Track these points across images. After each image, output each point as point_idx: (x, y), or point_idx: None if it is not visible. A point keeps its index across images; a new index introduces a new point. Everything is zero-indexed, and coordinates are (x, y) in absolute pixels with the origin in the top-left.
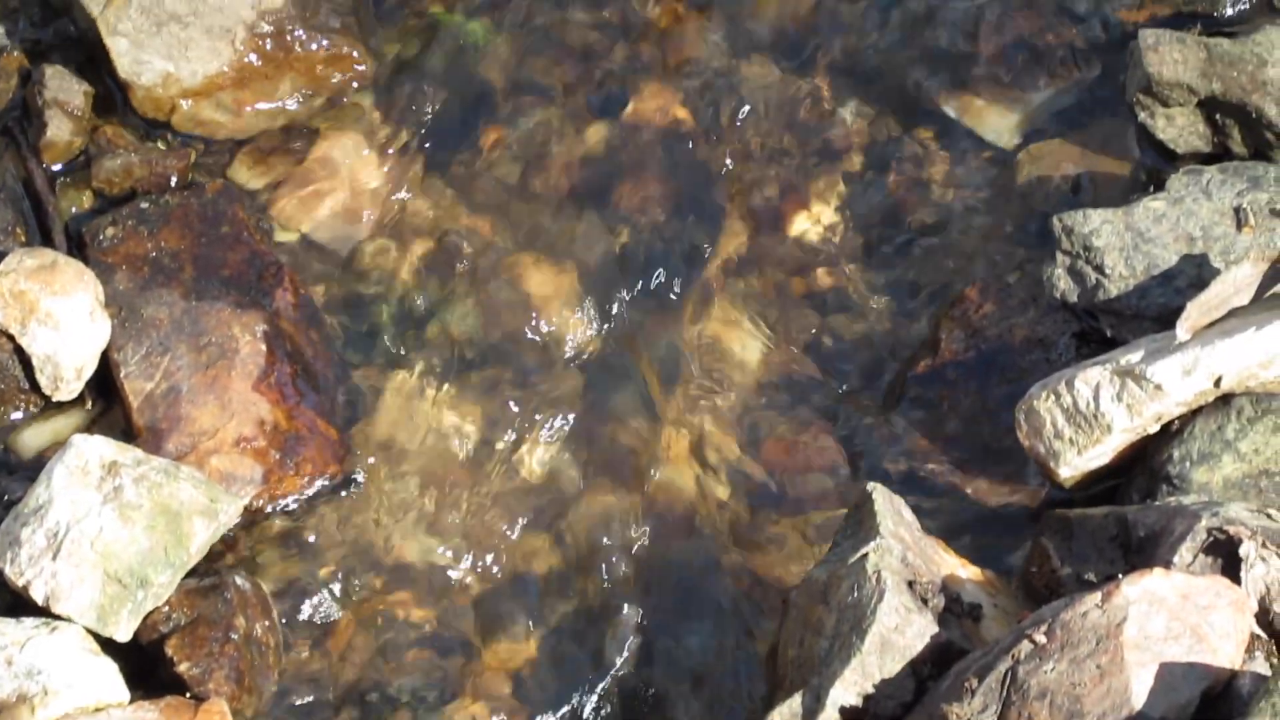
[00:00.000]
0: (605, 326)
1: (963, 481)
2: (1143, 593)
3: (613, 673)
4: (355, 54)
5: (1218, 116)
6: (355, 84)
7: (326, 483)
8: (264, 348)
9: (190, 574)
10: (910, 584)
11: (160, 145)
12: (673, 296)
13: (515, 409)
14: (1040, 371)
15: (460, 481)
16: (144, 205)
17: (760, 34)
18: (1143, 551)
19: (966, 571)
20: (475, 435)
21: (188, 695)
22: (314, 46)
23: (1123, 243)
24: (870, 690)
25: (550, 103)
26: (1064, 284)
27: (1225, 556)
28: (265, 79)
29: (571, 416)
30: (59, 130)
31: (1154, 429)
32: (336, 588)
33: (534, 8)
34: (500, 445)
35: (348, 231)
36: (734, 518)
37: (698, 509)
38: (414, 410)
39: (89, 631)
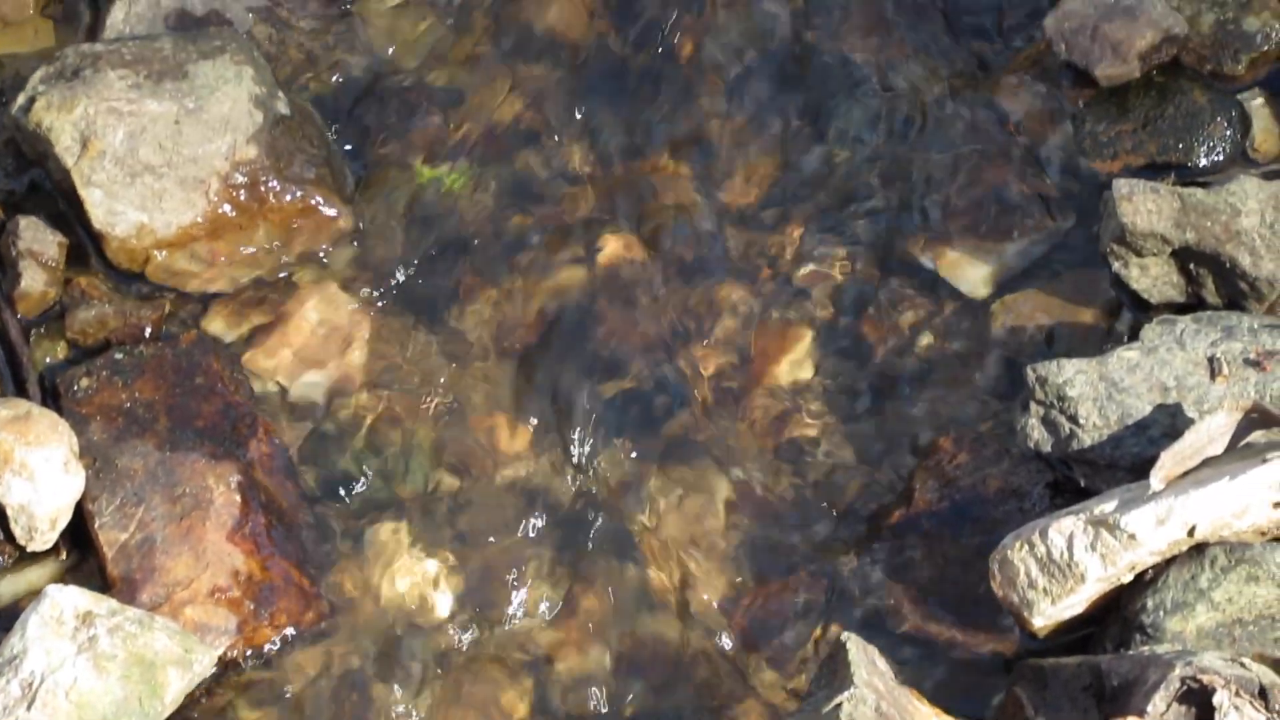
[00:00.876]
0: (580, 476)
1: (937, 631)
2: None
3: None
4: (329, 204)
5: (1192, 266)
6: (329, 234)
7: (301, 632)
8: (238, 498)
9: None
10: None
11: (134, 296)
12: (648, 445)
13: (490, 560)
14: (1014, 521)
15: (436, 631)
16: (118, 356)
17: (734, 184)
18: (1116, 700)
19: None
20: (450, 585)
21: None
22: (288, 197)
23: (1096, 393)
24: None
25: (524, 252)
26: (1038, 434)
27: (1199, 706)
28: (239, 230)
29: (547, 567)
30: (33, 281)
31: (1128, 578)
32: None
33: (508, 156)
34: (476, 595)
35: (322, 382)
36: (710, 668)
37: (676, 660)
38: (389, 560)
39: None
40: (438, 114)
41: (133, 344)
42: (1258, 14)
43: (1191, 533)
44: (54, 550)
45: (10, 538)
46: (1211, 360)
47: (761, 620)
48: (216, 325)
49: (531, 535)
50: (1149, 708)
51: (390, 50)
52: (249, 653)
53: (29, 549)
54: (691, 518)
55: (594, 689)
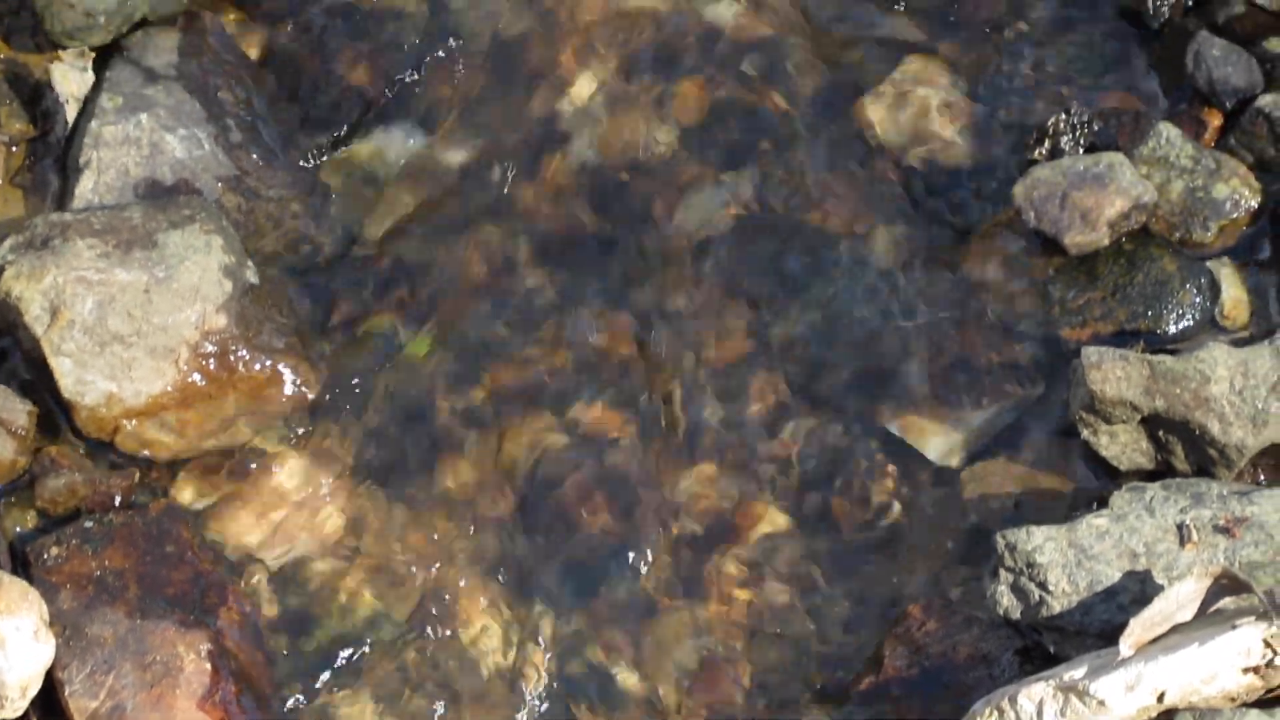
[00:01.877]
0: (550, 645)
1: None
2: None
3: None
4: (298, 373)
5: (1161, 433)
6: (299, 402)
7: None
8: (209, 666)
9: None
10: None
11: (104, 465)
12: (616, 612)
13: None
14: (984, 688)
15: None
16: (88, 525)
17: (705, 353)
18: None
19: None
20: None
21: None
22: (257, 366)
23: (1066, 560)
24: None
25: (493, 420)
26: (1007, 601)
27: None
28: (209, 399)
29: None
30: (2, 449)
31: None
32: None
33: (476, 323)
34: None
35: (292, 551)
36: None
37: None
38: None
39: None
40: (405, 282)
41: (102, 512)
42: (1227, 181)
43: (1161, 699)
44: (24, 718)
45: None
46: (1181, 527)
47: None
48: (186, 493)
49: (502, 705)
50: None
51: (359, 218)
52: None
53: None
54: (660, 685)
55: None
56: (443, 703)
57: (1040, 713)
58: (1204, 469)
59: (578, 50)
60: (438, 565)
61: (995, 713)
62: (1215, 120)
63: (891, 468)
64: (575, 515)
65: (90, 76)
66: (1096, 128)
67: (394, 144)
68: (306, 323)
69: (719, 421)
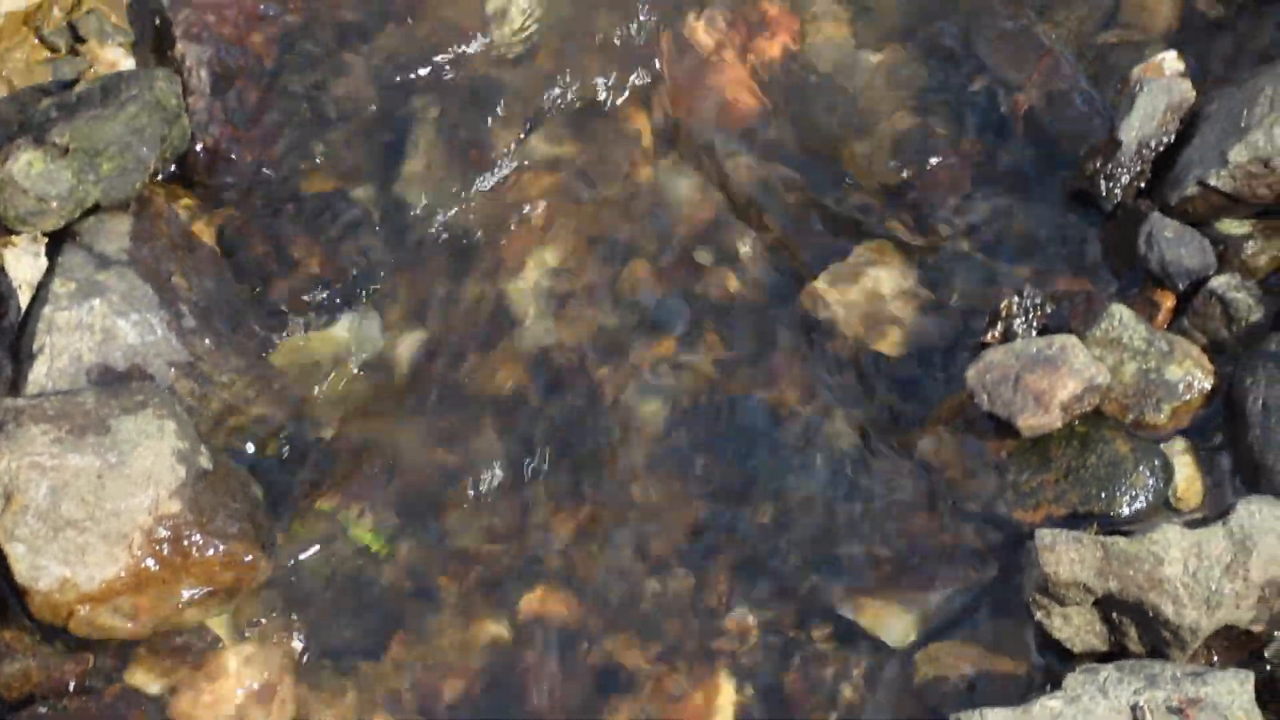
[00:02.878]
0: None
1: None
2: None
3: None
4: (252, 558)
5: (1114, 615)
6: (252, 588)
7: None
8: None
9: None
10: None
11: (58, 649)
12: None
13: None
14: None
15: None
16: (43, 710)
17: (658, 536)
18: None
19: None
20: None
21: None
22: (211, 551)
23: None
24: None
25: (447, 607)
26: None
27: None
28: (162, 583)
29: None
30: None
31: None
32: None
33: (429, 509)
34: None
35: None
36: None
37: None
38: None
39: None
40: (358, 467)
41: (56, 698)
42: (1180, 363)
43: None
44: None
45: None
46: (1134, 709)
47: None
48: (140, 678)
49: None
50: None
51: (312, 403)
52: None
53: None
54: None
55: None
56: None
57: None
58: (1158, 650)
59: (529, 233)
60: None
61: None
62: (1168, 302)
63: (844, 651)
64: (528, 701)
65: (43, 262)
66: (1049, 310)
67: (346, 329)
68: (260, 507)
69: (672, 603)
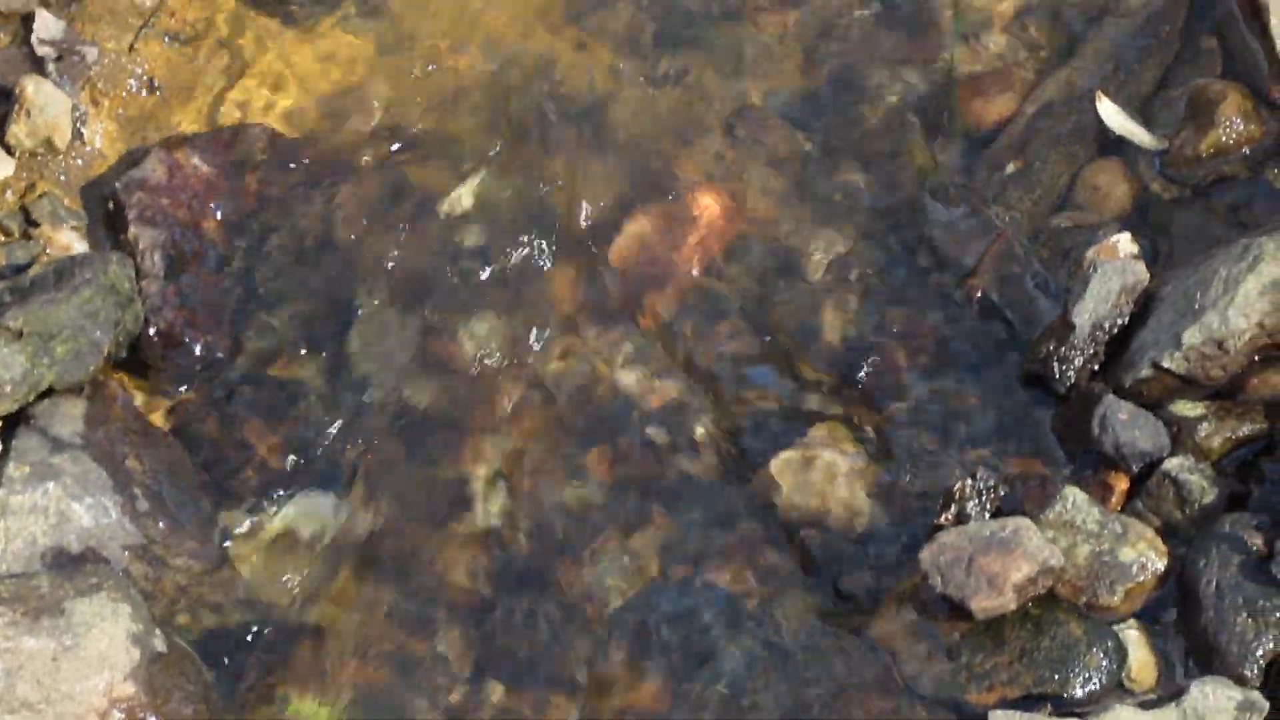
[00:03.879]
0: None
1: None
2: None
3: None
4: None
5: None
6: None
7: None
8: None
9: None
10: None
11: None
12: None
13: None
14: None
15: None
16: None
17: (605, 708)
18: None
19: None
20: None
21: None
22: None
23: None
24: None
25: None
26: None
27: None
28: None
29: None
30: None
31: None
32: None
33: (384, 692)
34: None
35: None
36: None
37: None
38: None
39: None
40: (313, 649)
41: None
42: (1134, 545)
43: None
44: None
45: None
46: None
47: None
48: None
49: None
50: None
51: (266, 586)
52: None
53: None
54: None
55: None
56: None
57: None
58: None
59: (483, 418)
60: None
61: None
62: (1122, 484)
63: None
64: None
65: None
66: (1003, 492)
67: (301, 513)
68: (215, 690)
69: None
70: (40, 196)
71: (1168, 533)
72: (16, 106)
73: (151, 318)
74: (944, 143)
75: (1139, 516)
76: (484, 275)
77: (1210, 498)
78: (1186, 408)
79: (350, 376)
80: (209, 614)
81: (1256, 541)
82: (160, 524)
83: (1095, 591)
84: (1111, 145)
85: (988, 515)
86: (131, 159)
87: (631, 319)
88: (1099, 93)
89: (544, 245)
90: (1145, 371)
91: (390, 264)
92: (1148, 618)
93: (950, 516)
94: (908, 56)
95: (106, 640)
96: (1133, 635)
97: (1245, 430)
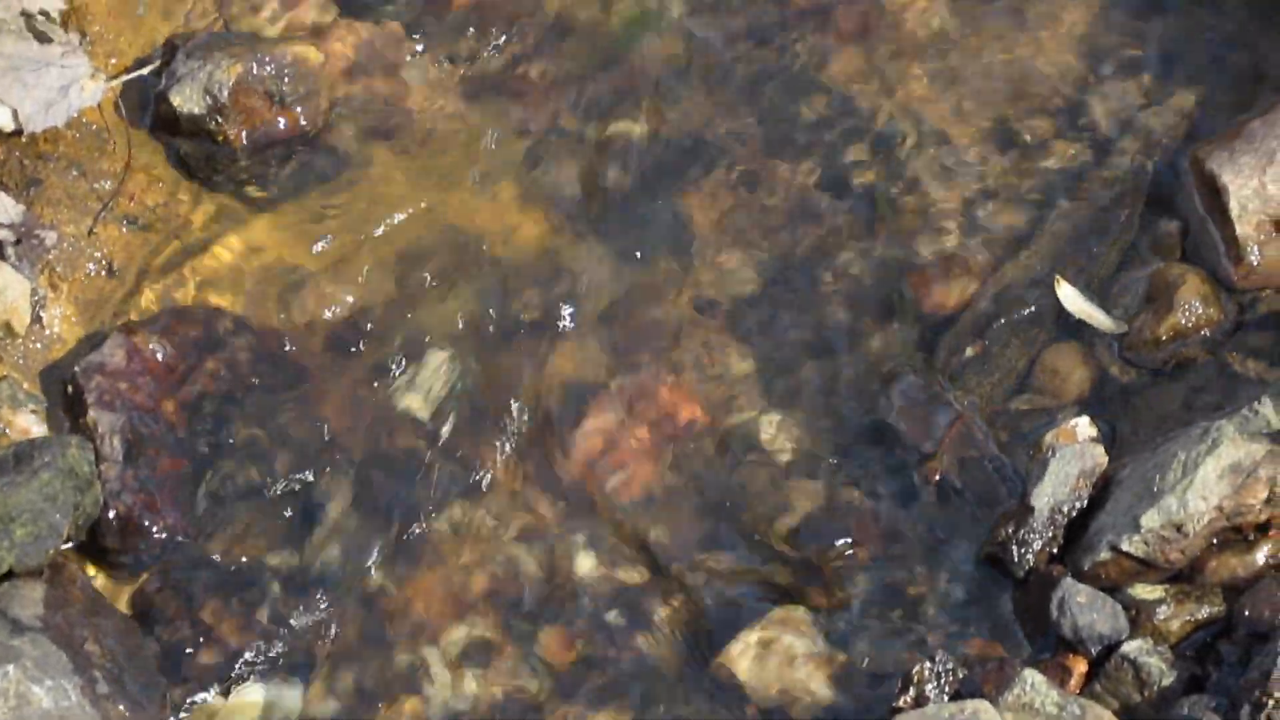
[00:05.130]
0: None
1: None
2: None
3: None
4: None
5: None
6: None
7: None
8: None
9: None
10: None
11: None
12: None
13: None
14: None
15: None
16: None
17: None
18: None
19: None
20: None
21: None
22: None
23: None
24: None
25: None
26: None
27: None
28: None
29: None
30: None
31: None
32: None
33: None
34: None
35: None
36: None
37: None
38: None
39: None
40: None
41: None
42: None
43: None
44: None
45: None
46: None
47: None
48: None
49: None
50: None
51: None
52: None
53: None
54: None
55: None
56: None
57: None
58: None
59: (444, 603)
60: None
61: None
62: (1080, 667)
63: None
64: None
65: None
66: (961, 675)
67: (263, 695)
68: None
69: None
70: None
71: (1126, 715)
72: None
73: (111, 501)
74: (902, 327)
75: (1097, 699)
76: (444, 459)
77: (1169, 680)
78: (1145, 591)
79: (310, 560)
80: None
81: None
82: (120, 706)
83: None
84: (1070, 329)
85: (947, 698)
86: (90, 343)
87: (591, 504)
88: (1058, 276)
89: (506, 430)
90: (1104, 554)
91: (350, 447)
92: None
93: (909, 699)
94: (866, 241)
95: None
96: None
97: (1204, 613)
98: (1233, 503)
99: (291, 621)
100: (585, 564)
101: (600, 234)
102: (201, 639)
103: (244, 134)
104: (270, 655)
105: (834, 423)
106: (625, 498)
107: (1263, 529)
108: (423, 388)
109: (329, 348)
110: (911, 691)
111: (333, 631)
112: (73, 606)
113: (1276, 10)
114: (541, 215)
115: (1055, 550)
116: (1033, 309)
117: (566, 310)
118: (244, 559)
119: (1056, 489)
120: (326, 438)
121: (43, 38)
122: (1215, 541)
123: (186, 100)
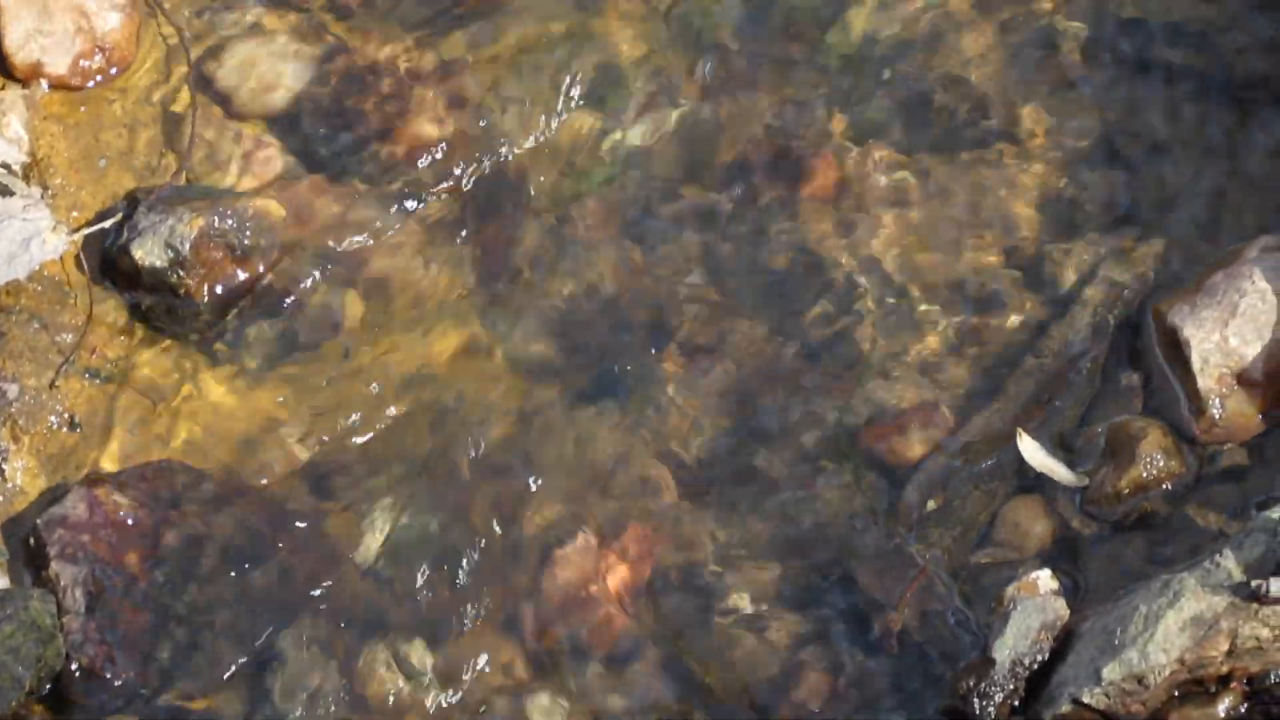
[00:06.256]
0: None
1: None
2: None
3: None
4: None
5: None
6: None
7: None
8: None
9: None
10: None
11: None
12: None
13: None
14: None
15: None
16: None
17: None
18: None
19: None
20: None
21: None
22: None
23: None
24: None
25: None
26: None
27: None
28: None
29: None
30: None
31: None
32: None
33: None
34: None
35: None
36: None
37: None
38: None
39: None
40: None
41: None
42: None
43: None
44: None
45: None
46: None
47: None
48: None
49: None
50: None
51: None
52: None
53: None
54: None
55: None
56: None
57: None
58: None
59: None
60: None
61: None
62: None
63: None
64: None
65: None
66: None
67: None
68: None
69: None
70: None
71: None
72: None
73: (73, 653)
74: (864, 480)
75: None
76: (405, 612)
77: None
78: None
79: (270, 714)
80: None
81: None
82: None
83: None
84: (1032, 482)
85: None
86: (53, 495)
87: (552, 659)
88: (1019, 430)
89: (465, 581)
90: (1065, 707)
91: (312, 600)
92: None
93: None
94: (829, 395)
95: None
96: None
97: None
98: (1194, 655)
99: None
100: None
101: (565, 385)
102: None
103: (206, 287)
104: None
105: (796, 575)
106: (587, 652)
107: (1224, 681)
108: (384, 537)
109: (291, 499)
110: None
111: None
112: None
113: (1237, 160)
114: (504, 366)
115: (1017, 703)
116: (994, 462)
117: (529, 460)
118: (206, 710)
119: (1018, 641)
120: (288, 590)
121: (4, 191)
122: (1177, 694)
123: (148, 253)
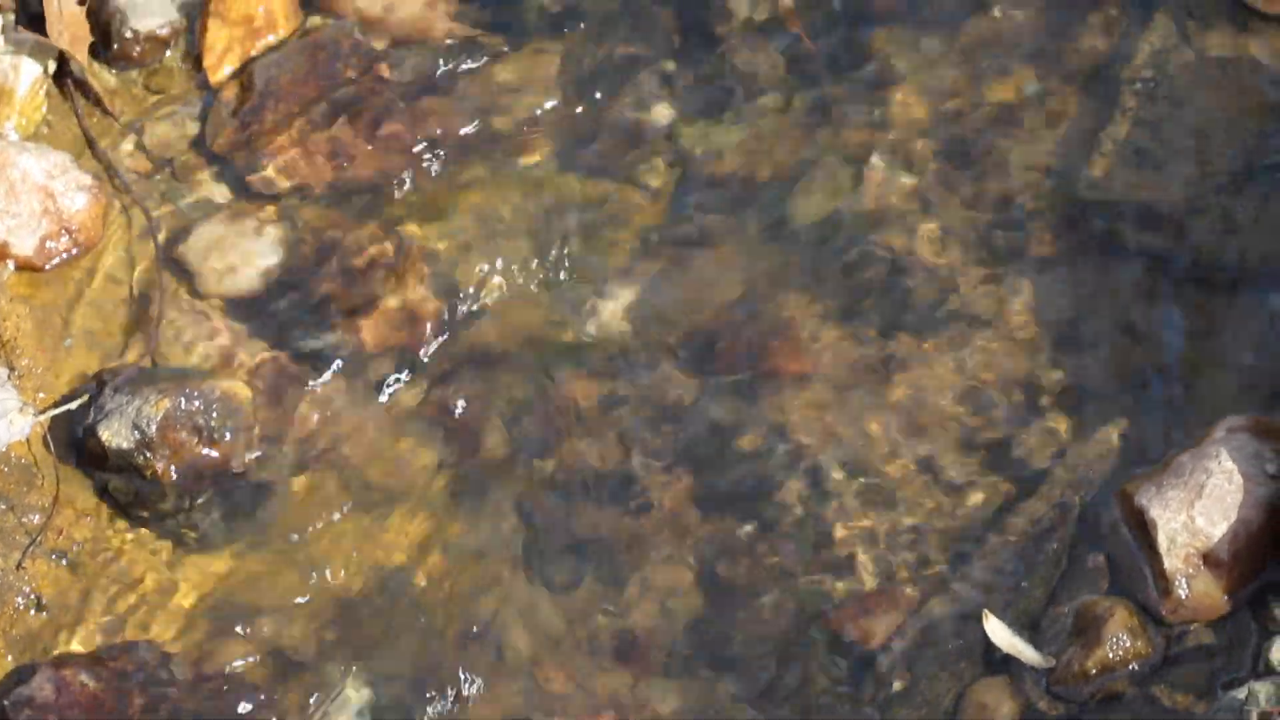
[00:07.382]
0: None
1: None
2: None
3: None
4: None
5: None
6: None
7: None
8: None
9: None
10: None
11: None
12: None
13: None
14: None
15: None
16: None
17: None
18: None
19: None
20: None
21: None
22: None
23: None
24: None
25: None
26: None
27: None
28: None
29: None
30: None
31: None
32: None
33: None
34: None
35: None
36: None
37: None
38: None
39: None
40: None
41: None
42: None
43: None
44: None
45: None
46: None
47: None
48: None
49: None
50: None
51: None
52: None
53: None
54: None
55: None
56: None
57: None
58: None
59: None
60: None
61: None
62: None
63: None
64: None
65: None
66: None
67: None
68: None
69: None
70: None
71: None
72: None
73: None
74: (828, 660)
75: None
76: None
77: None
78: None
79: None
80: None
81: None
82: None
83: None
84: (998, 663)
85: None
86: (18, 676)
87: None
88: (985, 611)
89: None
90: None
91: None
92: None
93: None
94: (793, 576)
95: None
96: None
97: None
98: None
99: None
100: None
101: (530, 567)
102: None
103: (172, 469)
104: None
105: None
106: None
107: None
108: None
109: (258, 683)
110: None
111: None
112: None
113: (1204, 341)
114: (473, 549)
115: None
116: (960, 643)
117: (492, 642)
118: None
119: None
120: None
121: None
122: None
123: (114, 435)
